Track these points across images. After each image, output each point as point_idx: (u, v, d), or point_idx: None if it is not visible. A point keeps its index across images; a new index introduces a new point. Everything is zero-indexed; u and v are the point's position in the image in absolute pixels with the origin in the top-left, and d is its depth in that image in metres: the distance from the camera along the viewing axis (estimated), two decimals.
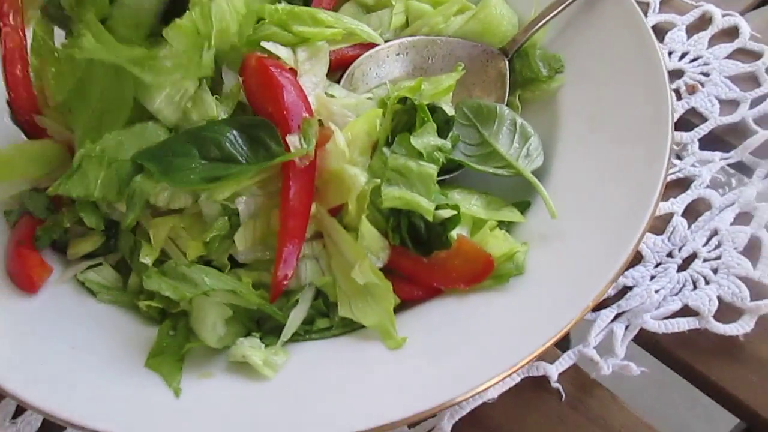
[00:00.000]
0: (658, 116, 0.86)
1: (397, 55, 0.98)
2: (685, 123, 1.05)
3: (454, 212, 0.77)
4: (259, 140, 0.79)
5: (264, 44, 0.84)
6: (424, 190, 0.77)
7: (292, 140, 0.77)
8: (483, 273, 0.76)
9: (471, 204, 0.84)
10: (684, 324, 0.85)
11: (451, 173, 0.90)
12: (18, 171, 0.84)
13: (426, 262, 0.78)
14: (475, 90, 0.99)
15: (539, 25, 0.98)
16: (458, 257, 0.77)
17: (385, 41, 0.97)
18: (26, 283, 0.81)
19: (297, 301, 0.79)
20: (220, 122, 0.81)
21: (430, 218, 0.75)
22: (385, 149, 0.80)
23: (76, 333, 0.79)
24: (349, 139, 0.79)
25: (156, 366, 0.75)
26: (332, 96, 0.87)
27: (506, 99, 0.97)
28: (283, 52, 0.85)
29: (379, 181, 0.78)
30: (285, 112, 0.78)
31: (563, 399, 0.81)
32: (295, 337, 0.79)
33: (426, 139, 0.81)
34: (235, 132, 0.79)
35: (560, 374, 0.83)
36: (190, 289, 0.74)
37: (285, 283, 0.77)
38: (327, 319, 0.80)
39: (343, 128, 0.81)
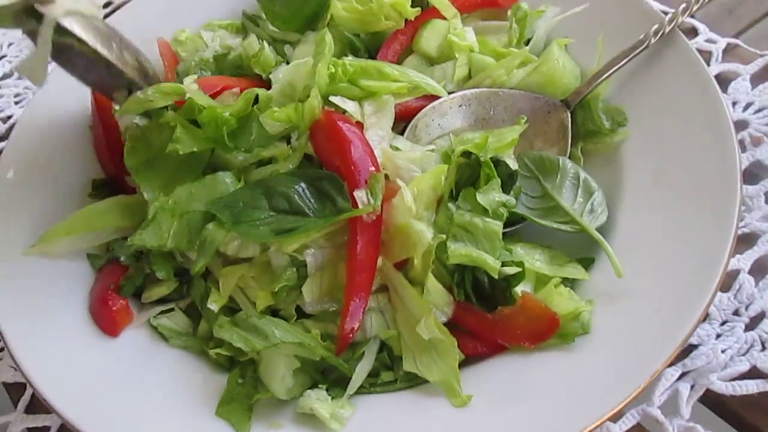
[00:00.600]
0: (725, 171, 0.86)
1: (460, 106, 1.00)
2: (751, 176, 1.03)
3: (519, 269, 0.77)
4: (327, 194, 0.82)
5: (333, 99, 0.87)
6: (490, 247, 0.78)
7: (360, 195, 0.79)
8: (548, 331, 0.77)
9: (534, 259, 0.85)
10: (753, 386, 0.83)
11: (513, 225, 0.90)
12: (110, 222, 0.91)
13: (490, 318, 0.79)
14: (536, 141, 1.00)
15: (602, 78, 0.99)
16: (523, 314, 0.77)
17: (448, 93, 0.99)
18: (110, 327, 0.86)
19: (362, 353, 0.81)
20: (289, 175, 0.84)
21: (495, 276, 0.76)
22: (450, 205, 0.82)
23: (149, 378, 0.82)
24: (415, 194, 0.81)
25: (226, 414, 0.77)
26: (397, 149, 0.90)
27: (569, 151, 0.98)
28: (350, 106, 0.88)
29: (444, 236, 0.79)
30: (352, 167, 0.81)
31: None
32: (360, 390, 0.80)
33: (491, 195, 0.82)
34: (303, 185, 0.82)
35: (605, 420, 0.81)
36: (261, 341, 0.76)
37: (351, 336, 0.78)
38: (391, 372, 0.82)
39: (409, 183, 0.83)
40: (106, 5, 1.47)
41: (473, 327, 0.80)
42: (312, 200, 0.82)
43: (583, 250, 0.89)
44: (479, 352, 0.81)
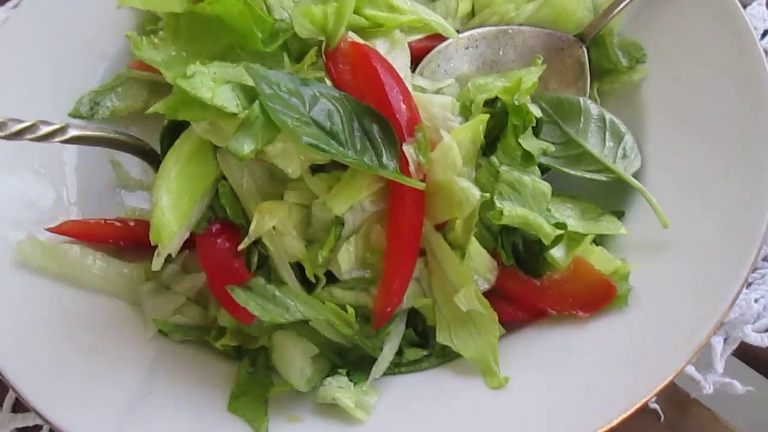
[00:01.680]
0: (758, 109, 0.79)
1: (467, 48, 0.90)
2: None
3: (561, 231, 0.70)
4: (373, 139, 0.69)
5: (350, 35, 0.75)
6: (538, 208, 0.71)
7: (409, 150, 0.69)
8: (604, 299, 0.70)
9: (566, 215, 0.77)
10: None
11: None
12: (210, 175, 0.77)
13: (538, 284, 0.72)
14: (551, 82, 0.91)
15: (619, 8, 0.90)
16: (576, 281, 0.70)
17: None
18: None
19: (389, 332, 0.72)
20: (336, 95, 0.71)
21: (547, 242, 0.68)
22: (493, 158, 0.73)
23: (149, 373, 0.73)
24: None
25: (240, 410, 0.69)
26: (421, 89, 0.80)
27: (588, 91, 0.89)
28: None
29: (489, 195, 0.70)
30: (397, 115, 0.69)
31: (661, 420, 0.77)
32: (385, 372, 0.73)
33: (533, 141, 0.73)
34: (347, 113, 0.69)
35: (657, 393, 0.77)
36: (282, 313, 0.68)
37: (391, 312, 0.71)
38: (417, 349, 0.74)
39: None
40: None
41: (518, 294, 0.73)
42: (354, 136, 0.69)
43: (606, 198, 0.82)
44: (517, 318, 0.74)
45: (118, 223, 0.86)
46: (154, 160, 0.84)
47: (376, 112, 0.70)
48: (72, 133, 0.75)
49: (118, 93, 0.98)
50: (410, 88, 0.74)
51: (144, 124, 0.97)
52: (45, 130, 0.72)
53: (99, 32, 1.02)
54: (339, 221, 0.71)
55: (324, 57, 0.74)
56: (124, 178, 0.95)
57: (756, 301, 0.83)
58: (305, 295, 0.71)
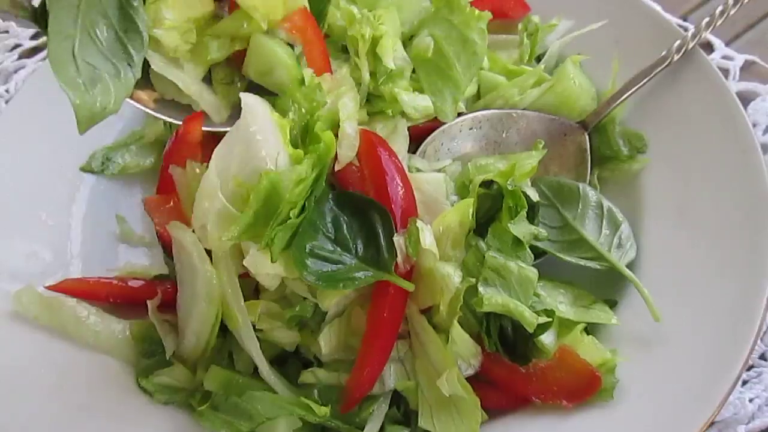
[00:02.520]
0: (755, 205, 0.79)
1: (471, 129, 0.92)
2: None
3: (549, 319, 0.70)
4: (373, 232, 0.73)
5: (345, 125, 0.78)
6: (523, 295, 0.71)
7: (399, 242, 0.71)
8: (589, 389, 0.69)
9: (557, 301, 0.77)
10: None
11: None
12: None
13: (523, 372, 0.71)
14: (552, 166, 0.92)
15: (622, 98, 0.92)
16: (561, 369, 0.70)
17: (458, 113, 0.91)
18: None
19: (371, 412, 0.72)
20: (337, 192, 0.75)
21: (531, 330, 0.68)
22: (481, 243, 0.73)
23: None
24: (441, 233, 0.73)
25: None
26: (418, 170, 0.82)
27: (588, 177, 0.91)
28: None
29: (474, 280, 0.71)
30: (392, 206, 0.72)
31: None
32: None
33: (523, 227, 0.74)
34: (346, 215, 0.74)
35: None
36: (246, 424, 0.70)
37: (359, 398, 0.71)
38: (399, 427, 0.73)
39: (434, 218, 0.75)
40: None
41: (502, 380, 0.73)
42: (357, 236, 0.73)
43: (601, 286, 0.82)
44: (501, 404, 0.73)
45: (115, 281, 0.87)
46: None
47: (379, 205, 0.73)
48: None
49: (130, 150, 1.01)
50: (415, 174, 0.78)
51: (150, 181, 1.00)
52: None
53: None
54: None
55: None
56: (127, 234, 0.97)
57: (751, 400, 0.81)
58: (272, 395, 0.72)
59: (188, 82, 0.78)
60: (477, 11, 0.88)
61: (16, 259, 0.87)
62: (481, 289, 0.70)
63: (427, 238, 0.70)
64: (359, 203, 0.74)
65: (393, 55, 0.86)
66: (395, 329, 0.71)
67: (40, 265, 0.88)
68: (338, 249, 0.71)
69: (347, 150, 0.76)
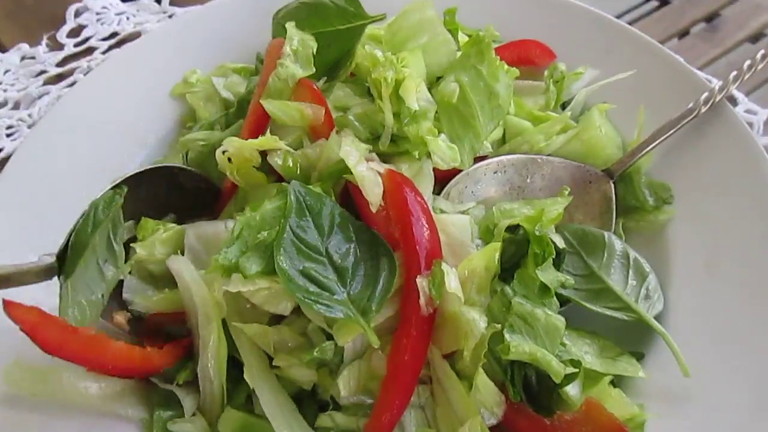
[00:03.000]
0: None
1: (495, 173, 0.91)
2: None
3: (575, 370, 0.67)
4: (374, 277, 0.72)
5: (357, 169, 0.77)
6: (549, 344, 0.69)
7: (422, 284, 0.69)
8: None
9: (583, 351, 0.75)
10: None
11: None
12: None
13: (548, 424, 0.69)
14: (577, 213, 0.91)
15: (649, 147, 0.91)
16: (587, 423, 0.67)
17: (483, 156, 0.91)
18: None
19: None
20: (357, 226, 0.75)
21: (558, 380, 0.66)
22: (507, 288, 0.72)
23: None
24: (466, 276, 0.72)
25: None
26: (443, 212, 0.81)
27: (613, 226, 0.89)
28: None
29: (499, 326, 0.69)
30: (416, 247, 0.71)
31: None
32: None
33: (550, 273, 0.72)
34: (353, 245, 0.74)
35: None
36: None
37: None
38: None
39: (460, 261, 0.73)
40: (111, 36, 1.38)
41: (525, 431, 0.70)
42: (359, 274, 0.72)
43: (626, 338, 0.80)
44: None
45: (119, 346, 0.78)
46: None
47: (389, 250, 0.73)
48: None
49: None
50: (441, 216, 0.77)
51: None
52: None
53: (140, 121, 1.06)
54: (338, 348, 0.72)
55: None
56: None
57: None
58: None
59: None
60: (506, 65, 0.89)
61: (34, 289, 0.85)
62: (507, 336, 0.67)
63: (452, 282, 0.69)
64: (374, 243, 0.74)
65: (417, 96, 0.86)
66: (416, 374, 0.69)
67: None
68: (334, 277, 0.70)
69: (372, 190, 0.75)
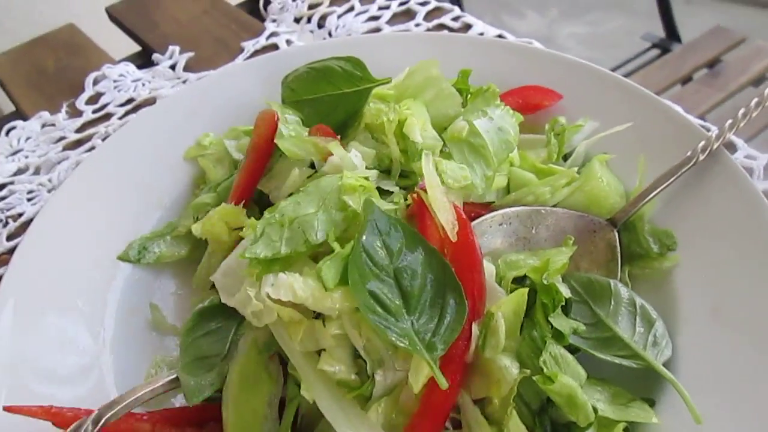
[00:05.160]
0: None
1: (500, 225, 0.93)
2: None
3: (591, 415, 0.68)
4: (442, 314, 0.73)
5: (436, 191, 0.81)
6: None
7: (475, 331, 0.72)
8: None
9: (595, 399, 0.76)
10: None
11: None
12: None
13: None
14: (582, 262, 0.93)
15: (650, 196, 0.94)
16: None
17: (489, 203, 0.94)
18: None
19: None
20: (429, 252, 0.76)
21: (584, 424, 0.67)
22: (535, 333, 0.73)
23: None
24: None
25: None
26: None
27: (619, 274, 0.91)
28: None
29: (528, 372, 0.70)
30: (475, 295, 0.74)
31: None
32: None
33: (563, 320, 0.74)
34: (431, 276, 0.74)
35: None
36: None
37: None
38: None
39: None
40: (128, 101, 1.43)
41: None
42: (426, 306, 0.72)
43: (636, 386, 0.80)
44: None
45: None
46: None
47: (459, 287, 0.73)
48: None
49: (166, 240, 1.04)
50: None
51: (183, 271, 1.03)
52: None
53: (156, 183, 1.10)
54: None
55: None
56: (159, 322, 0.98)
57: None
58: None
59: None
60: (511, 110, 0.92)
61: (51, 346, 0.88)
62: (545, 369, 0.69)
63: (501, 328, 0.70)
64: (444, 274, 0.74)
65: (422, 134, 0.90)
66: (445, 416, 0.69)
67: (73, 352, 0.89)
68: (400, 302, 0.71)
69: (447, 218, 0.78)
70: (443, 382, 0.68)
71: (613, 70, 2.74)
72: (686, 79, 2.22)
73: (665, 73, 2.25)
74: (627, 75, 2.55)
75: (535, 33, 4.36)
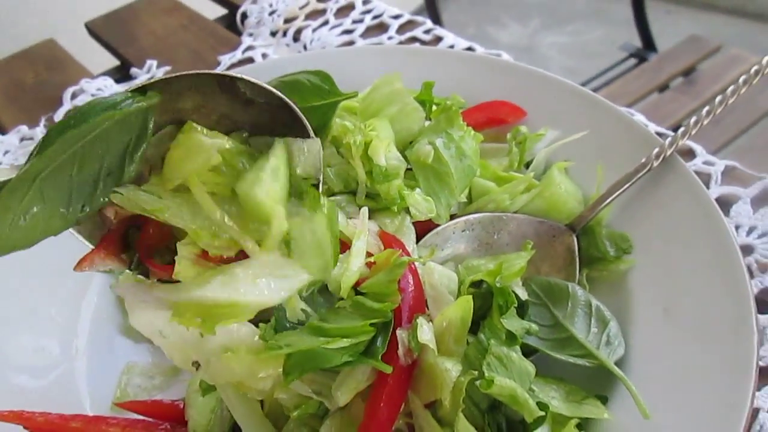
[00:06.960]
0: (738, 303, 0.82)
1: (463, 231, 0.97)
2: (761, 304, 1.00)
3: (542, 413, 0.71)
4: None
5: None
6: (522, 387, 0.73)
7: (401, 336, 0.74)
8: None
9: (550, 397, 0.79)
10: None
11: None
12: None
13: None
14: (543, 266, 0.96)
15: (607, 201, 0.97)
16: None
17: (450, 215, 0.97)
18: None
19: None
20: None
21: (530, 420, 0.70)
22: (481, 336, 0.76)
23: None
24: (444, 327, 0.76)
25: None
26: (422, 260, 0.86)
27: (577, 277, 0.94)
28: (373, 226, 0.86)
29: (476, 373, 0.73)
30: (402, 302, 0.76)
31: None
32: None
33: (515, 322, 0.77)
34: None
35: None
36: None
37: None
38: None
39: (437, 312, 0.78)
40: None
41: None
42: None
43: (591, 383, 0.83)
44: None
45: None
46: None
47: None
48: None
49: None
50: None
51: None
52: None
53: None
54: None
55: None
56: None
57: None
58: None
59: None
60: (472, 131, 0.97)
61: (24, 354, 0.90)
62: (487, 372, 0.71)
63: (425, 334, 0.73)
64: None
65: (387, 156, 0.93)
66: (391, 421, 0.72)
67: (46, 359, 0.91)
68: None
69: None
70: (386, 367, 0.71)
71: (593, 79, 2.83)
72: (663, 87, 2.27)
73: (642, 82, 2.30)
74: (606, 84, 2.61)
75: (517, 43, 4.43)
